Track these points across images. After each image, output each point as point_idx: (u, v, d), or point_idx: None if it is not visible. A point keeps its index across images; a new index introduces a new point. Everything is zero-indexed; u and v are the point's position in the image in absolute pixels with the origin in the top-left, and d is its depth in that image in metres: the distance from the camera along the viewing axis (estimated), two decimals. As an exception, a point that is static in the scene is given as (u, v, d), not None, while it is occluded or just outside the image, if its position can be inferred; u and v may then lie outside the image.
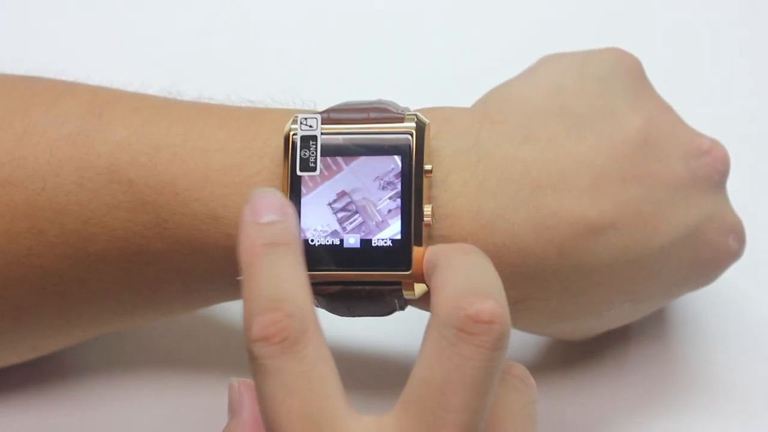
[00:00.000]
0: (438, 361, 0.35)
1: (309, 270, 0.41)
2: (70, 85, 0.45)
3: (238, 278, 0.37)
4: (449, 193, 0.42)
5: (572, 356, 0.51)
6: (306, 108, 0.45)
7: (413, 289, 0.41)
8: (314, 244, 0.41)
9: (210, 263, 0.43)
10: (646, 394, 0.50)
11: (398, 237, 0.41)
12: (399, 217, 0.41)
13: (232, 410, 0.39)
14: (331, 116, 0.42)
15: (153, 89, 0.46)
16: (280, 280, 0.36)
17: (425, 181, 0.41)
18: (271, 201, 0.38)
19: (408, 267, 0.41)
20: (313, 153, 0.42)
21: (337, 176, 0.42)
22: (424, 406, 0.34)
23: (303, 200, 0.41)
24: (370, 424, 0.35)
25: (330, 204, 0.41)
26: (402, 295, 0.41)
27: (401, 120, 0.42)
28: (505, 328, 0.35)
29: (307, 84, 0.47)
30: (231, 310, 0.52)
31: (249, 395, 0.39)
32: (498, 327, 0.35)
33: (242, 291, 0.37)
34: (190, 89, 0.47)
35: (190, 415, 0.49)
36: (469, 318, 0.35)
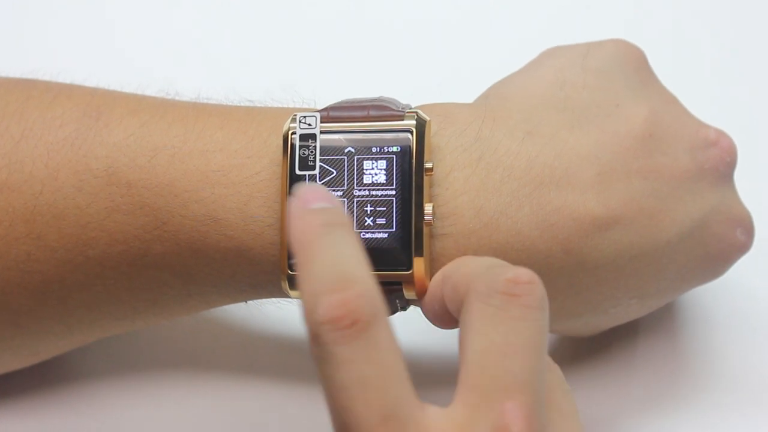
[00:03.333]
0: (492, 328, 0.34)
1: None
2: (67, 87, 0.45)
3: (292, 260, 0.37)
4: (450, 191, 0.41)
5: (581, 351, 0.51)
6: (306, 106, 0.45)
7: (414, 289, 0.40)
8: None
9: (210, 266, 0.42)
10: (655, 388, 0.50)
11: (399, 236, 0.40)
12: (399, 216, 0.40)
13: None
14: (330, 114, 0.42)
15: (151, 90, 0.46)
16: (345, 258, 0.34)
17: (426, 179, 0.41)
18: (319, 191, 0.36)
19: (408, 266, 0.40)
20: (312, 152, 0.41)
21: (337, 175, 0.41)
22: (489, 375, 0.33)
23: None
24: (439, 416, 0.33)
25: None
26: (403, 295, 0.41)
27: (401, 117, 0.41)
28: (543, 289, 0.35)
29: (307, 82, 0.47)
30: (233, 312, 0.51)
31: None
32: (539, 287, 0.35)
33: (299, 273, 0.34)
34: (188, 89, 0.46)
35: (192, 417, 0.49)
36: (510, 281, 0.35)
